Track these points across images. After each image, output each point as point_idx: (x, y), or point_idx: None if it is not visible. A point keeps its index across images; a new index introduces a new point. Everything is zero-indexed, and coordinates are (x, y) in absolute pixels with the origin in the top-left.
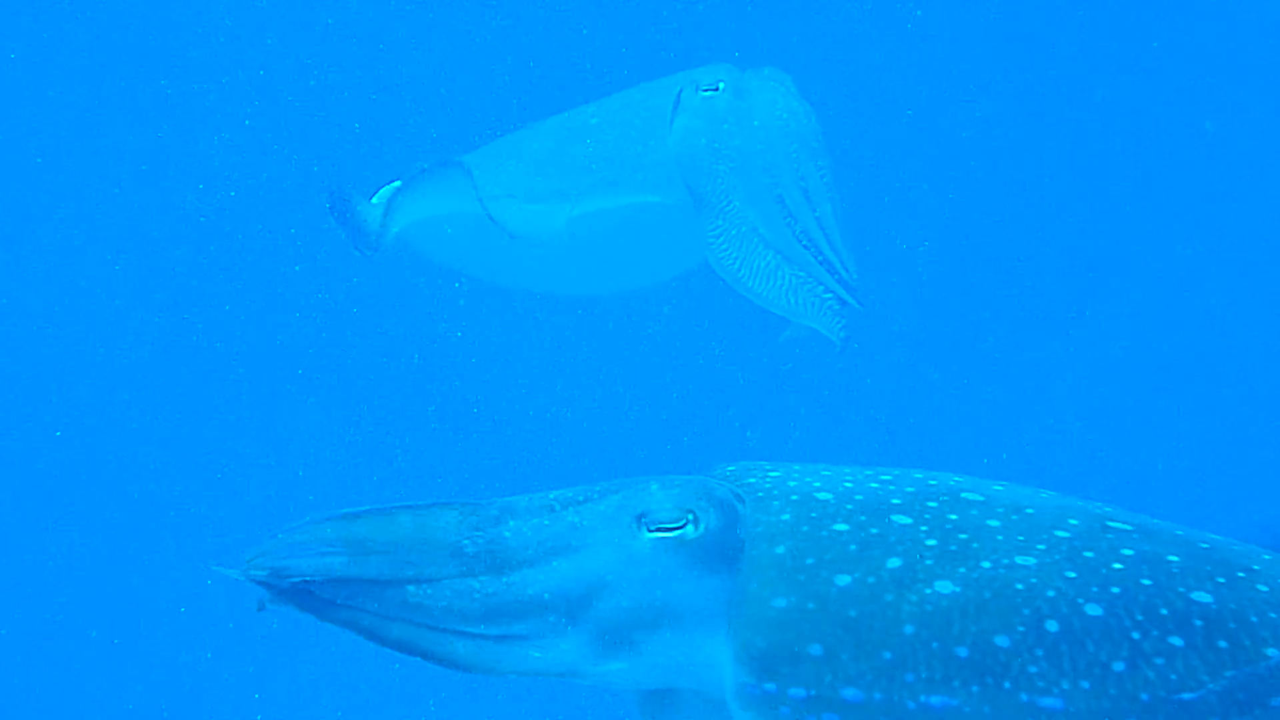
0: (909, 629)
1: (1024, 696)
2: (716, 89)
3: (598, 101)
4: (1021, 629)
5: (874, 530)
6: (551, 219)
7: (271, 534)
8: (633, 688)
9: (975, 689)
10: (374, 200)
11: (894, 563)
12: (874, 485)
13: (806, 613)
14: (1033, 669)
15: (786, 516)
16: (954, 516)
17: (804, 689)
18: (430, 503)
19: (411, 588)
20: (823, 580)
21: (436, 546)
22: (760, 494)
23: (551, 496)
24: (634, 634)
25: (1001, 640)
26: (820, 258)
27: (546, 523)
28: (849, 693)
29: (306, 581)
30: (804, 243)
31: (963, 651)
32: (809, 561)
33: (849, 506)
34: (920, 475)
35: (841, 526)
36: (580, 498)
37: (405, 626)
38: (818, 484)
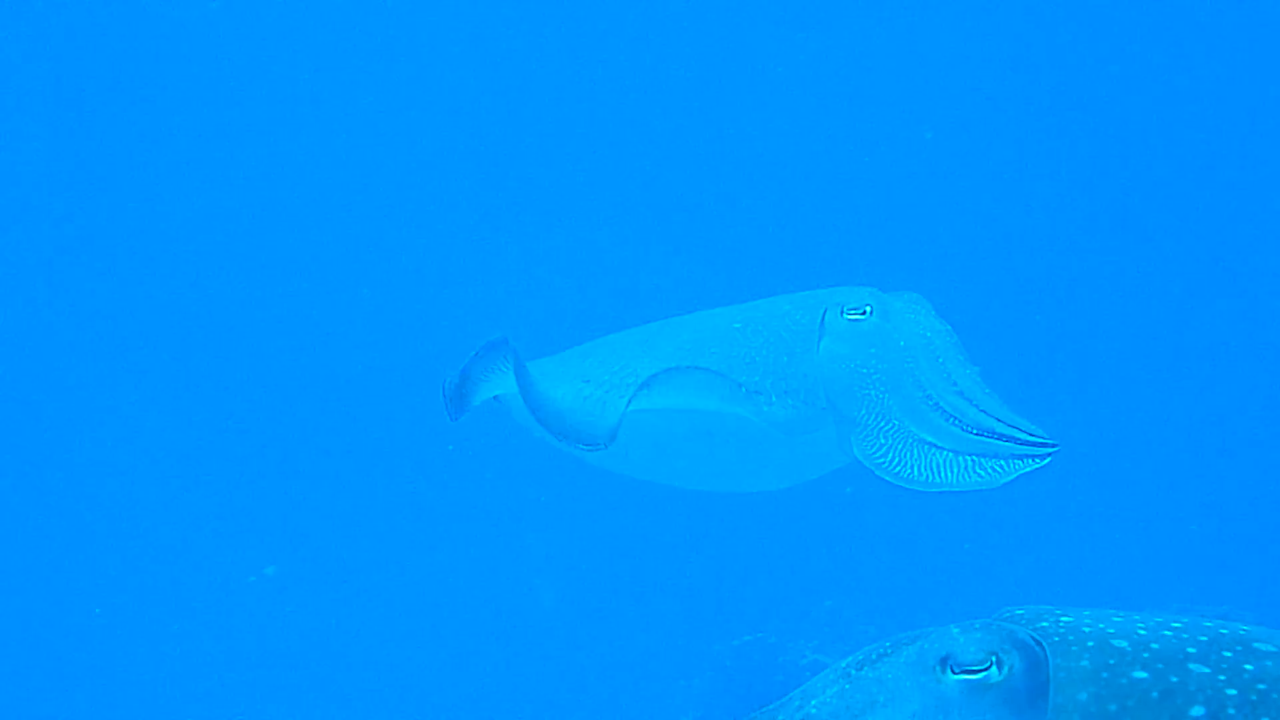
0: None
1: None
2: (863, 313)
3: (738, 305)
4: None
5: (1173, 679)
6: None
7: None
8: None
9: None
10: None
11: (1197, 711)
12: (1167, 633)
13: None
14: None
15: (1085, 662)
16: (1250, 666)
17: None
18: None
19: None
20: None
21: None
22: (1056, 639)
23: (845, 664)
24: None
25: None
26: (997, 435)
27: (849, 688)
28: None
29: None
30: (974, 432)
31: None
32: (1112, 708)
33: (1145, 654)
34: (1210, 624)
35: (1141, 674)
36: (875, 656)
37: None
38: (1111, 630)
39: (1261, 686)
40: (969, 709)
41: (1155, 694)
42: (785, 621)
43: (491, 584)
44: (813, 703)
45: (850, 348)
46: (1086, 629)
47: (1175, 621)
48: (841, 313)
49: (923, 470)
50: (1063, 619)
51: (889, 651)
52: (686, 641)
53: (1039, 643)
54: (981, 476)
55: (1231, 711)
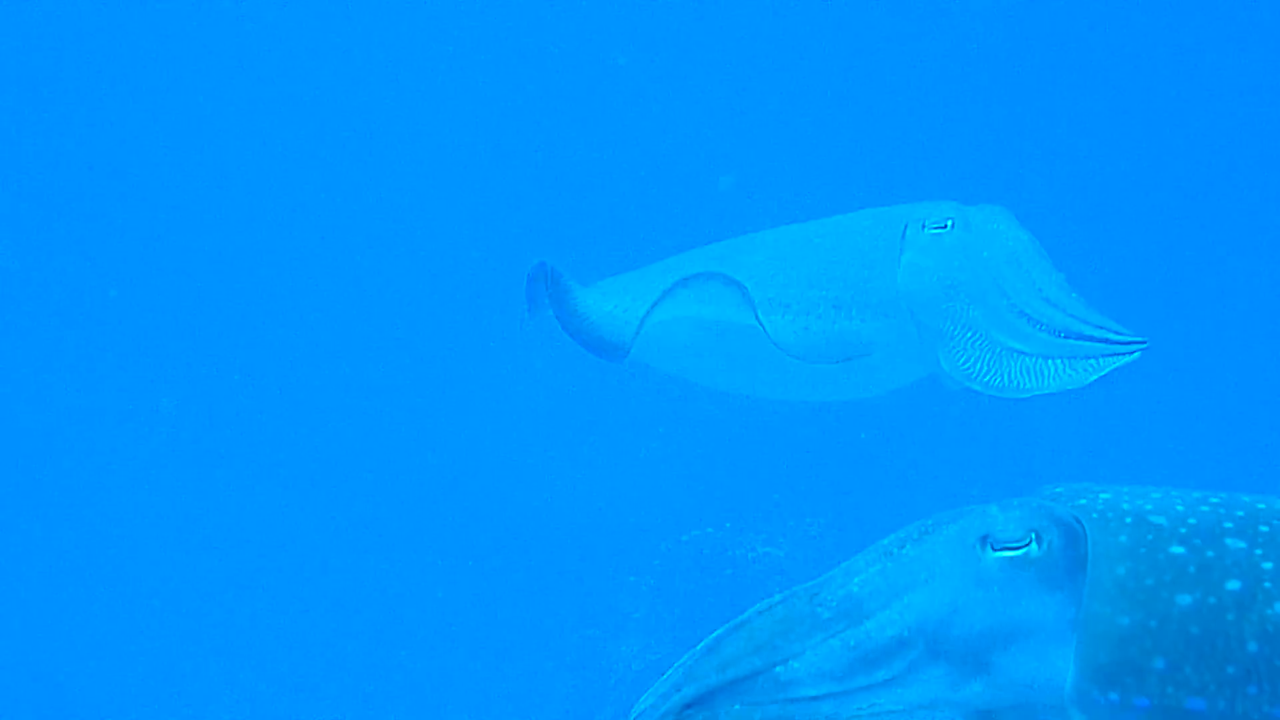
0: (1252, 646)
1: None
2: (945, 227)
3: (820, 220)
4: None
5: (1210, 554)
6: (773, 330)
7: (647, 701)
8: (979, 710)
9: None
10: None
11: (1233, 584)
12: (1205, 509)
13: (1149, 630)
14: None
15: (1123, 538)
16: None
17: (1148, 699)
18: (778, 597)
19: (779, 669)
20: (1164, 600)
21: (795, 626)
22: (1094, 515)
23: (886, 542)
24: (989, 655)
25: None
26: (1086, 335)
27: (890, 566)
28: (1193, 703)
29: (687, 707)
30: (1063, 335)
31: None
32: (1149, 582)
33: (1183, 530)
34: (1248, 499)
35: (1178, 549)
36: (916, 535)
37: (774, 706)
38: (1149, 506)
39: None
40: (1008, 585)
41: (1192, 569)
42: (732, 516)
43: (434, 479)
44: (855, 580)
45: (933, 261)
46: (1125, 505)
47: (1213, 497)
48: (923, 227)
49: (1012, 377)
50: (1101, 495)
51: (930, 530)
52: (633, 538)
53: (1078, 519)
54: (1071, 377)
55: (1268, 585)
